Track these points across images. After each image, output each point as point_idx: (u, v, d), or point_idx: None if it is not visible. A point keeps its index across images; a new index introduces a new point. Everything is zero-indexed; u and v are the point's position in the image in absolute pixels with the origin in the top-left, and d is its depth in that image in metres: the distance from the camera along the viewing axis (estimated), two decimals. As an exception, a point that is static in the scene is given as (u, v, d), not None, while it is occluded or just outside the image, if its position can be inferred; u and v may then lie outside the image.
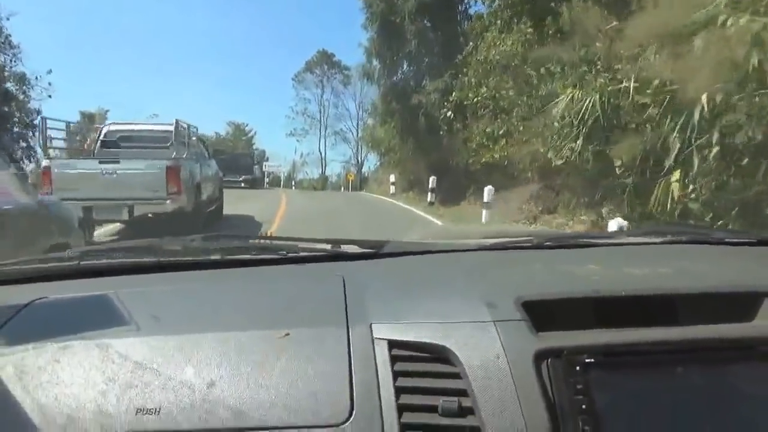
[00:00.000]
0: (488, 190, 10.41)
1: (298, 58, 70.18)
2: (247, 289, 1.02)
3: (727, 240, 1.28)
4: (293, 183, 37.20)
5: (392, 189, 17.93)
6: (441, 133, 15.27)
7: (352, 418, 0.71)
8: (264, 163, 36.81)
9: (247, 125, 38.28)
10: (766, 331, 0.80)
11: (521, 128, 9.96)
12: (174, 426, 0.72)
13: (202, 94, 59.69)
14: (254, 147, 37.93)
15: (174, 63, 60.21)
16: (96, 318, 0.90)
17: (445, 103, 14.09)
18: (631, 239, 1.34)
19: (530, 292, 0.84)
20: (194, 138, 7.38)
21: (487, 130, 11.44)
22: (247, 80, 63.28)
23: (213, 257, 1.18)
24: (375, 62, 18.42)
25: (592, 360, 0.73)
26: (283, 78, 71.26)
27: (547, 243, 1.24)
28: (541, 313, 0.80)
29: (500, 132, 11.00)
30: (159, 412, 0.73)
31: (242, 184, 19.93)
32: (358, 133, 42.20)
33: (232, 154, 23.81)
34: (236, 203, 11.70)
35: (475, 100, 11.95)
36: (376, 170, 24.03)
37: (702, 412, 0.72)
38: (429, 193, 14.88)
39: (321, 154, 42.51)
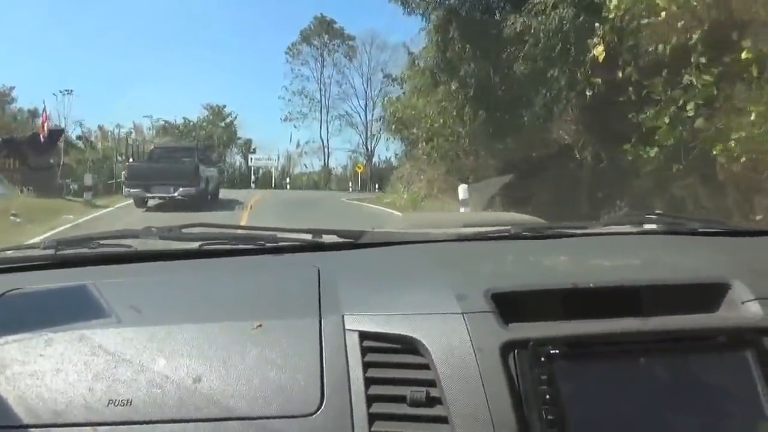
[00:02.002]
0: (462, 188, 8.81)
1: (291, 28, 61.44)
2: (223, 279, 1.11)
3: (700, 230, 1.39)
4: (288, 180, 29.15)
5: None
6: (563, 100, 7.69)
7: (321, 409, 0.79)
8: (250, 156, 28.63)
9: (224, 107, 31.51)
10: (728, 322, 0.89)
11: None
12: (145, 417, 0.79)
13: (177, 75, 50.95)
14: (237, 135, 30.44)
15: (145, 41, 52.54)
16: (70, 309, 0.97)
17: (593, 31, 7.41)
18: (606, 229, 1.46)
19: (500, 284, 0.93)
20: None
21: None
22: (230, 56, 58.14)
23: (190, 247, 1.26)
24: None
25: (558, 351, 0.82)
26: (275, 52, 63.22)
27: (524, 233, 1.33)
28: (511, 305, 0.89)
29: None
30: (131, 403, 0.79)
31: (177, 197, 13.34)
32: (366, 116, 37.89)
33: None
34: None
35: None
36: (402, 162, 20.67)
37: (663, 401, 0.81)
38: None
39: (322, 141, 37.85)
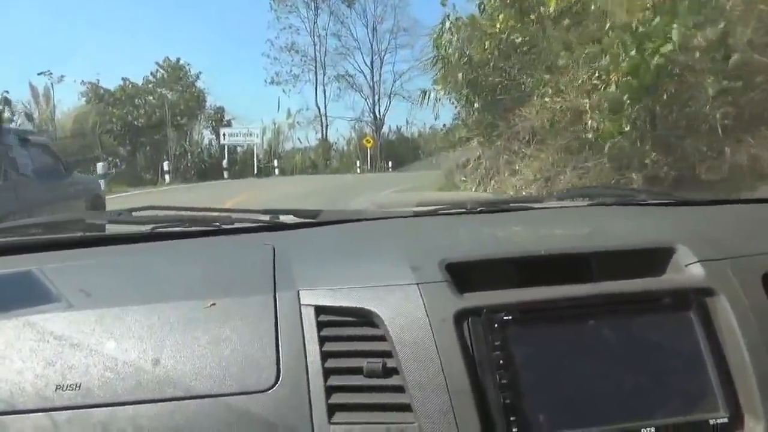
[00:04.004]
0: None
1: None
2: (176, 260, 1.13)
3: (649, 201, 1.46)
4: (276, 163, 21.46)
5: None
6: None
7: (278, 384, 0.81)
8: (222, 131, 20.39)
9: (189, 66, 22.84)
10: (672, 284, 0.94)
11: None
12: (95, 401, 0.79)
13: (122, 26, 41.49)
14: (204, 102, 21.91)
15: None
16: (14, 295, 0.99)
17: None
18: (559, 203, 1.54)
19: (454, 255, 0.96)
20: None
21: None
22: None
23: (141, 231, 1.26)
24: None
25: (510, 317, 0.86)
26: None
27: (480, 208, 1.39)
28: (466, 275, 0.93)
29: None
30: (80, 387, 0.80)
31: None
32: (373, 75, 31.66)
33: None
34: None
35: None
36: (464, 137, 12.63)
37: (612, 361, 0.87)
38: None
39: (319, 109, 30.58)
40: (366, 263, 1.01)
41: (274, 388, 0.80)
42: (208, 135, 24.57)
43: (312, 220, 1.31)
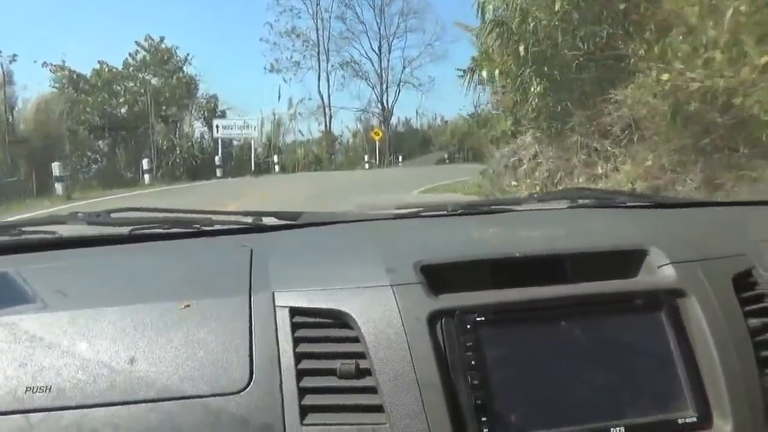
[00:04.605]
0: None
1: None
2: (153, 262, 1.12)
3: (628, 203, 1.48)
4: (276, 159, 21.71)
5: None
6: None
7: (251, 385, 0.81)
8: (216, 123, 17.73)
9: (176, 48, 20.48)
10: (644, 286, 0.96)
11: None
12: (66, 403, 0.79)
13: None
14: (195, 90, 19.53)
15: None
16: None
17: None
18: (540, 205, 1.54)
19: (429, 256, 0.97)
20: None
21: None
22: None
23: (120, 232, 1.26)
24: None
25: (483, 318, 0.87)
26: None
27: (461, 210, 1.38)
28: (441, 276, 0.94)
29: None
30: (51, 389, 0.80)
31: None
32: (381, 62, 29.52)
33: None
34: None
35: None
36: (491, 123, 10.74)
37: (583, 361, 0.88)
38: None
39: (322, 98, 28.27)
40: (342, 265, 1.01)
41: (247, 389, 0.81)
42: (199, 127, 21.75)
43: (292, 222, 1.32)
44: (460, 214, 1.36)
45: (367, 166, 23.09)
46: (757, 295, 0.97)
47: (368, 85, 29.56)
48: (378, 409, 0.82)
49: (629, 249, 1.01)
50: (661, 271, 0.97)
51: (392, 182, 14.08)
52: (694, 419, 0.85)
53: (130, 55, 20.43)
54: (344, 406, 0.82)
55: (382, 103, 29.14)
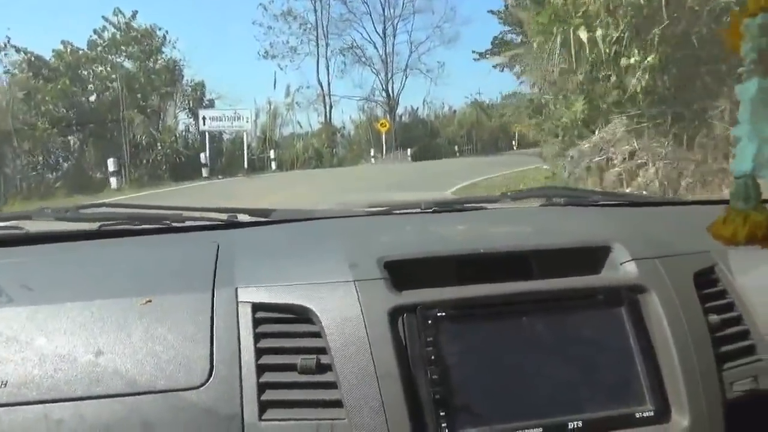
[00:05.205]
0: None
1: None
2: (118, 258, 1.11)
3: (600, 202, 1.51)
4: (272, 154, 16.26)
5: None
6: None
7: (210, 381, 0.81)
8: (202, 114, 14.82)
9: (154, 27, 17.62)
10: (607, 282, 0.97)
11: None
12: (21, 398, 0.79)
13: None
14: (180, 76, 16.92)
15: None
16: None
17: None
18: (513, 203, 1.55)
19: (394, 252, 0.97)
20: None
21: None
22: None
23: (88, 228, 1.26)
24: None
25: (444, 314, 0.88)
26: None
27: (434, 208, 1.39)
28: (405, 272, 0.94)
29: None
30: (6, 385, 0.80)
31: None
32: (386, 46, 27.44)
33: None
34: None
35: None
36: (550, 109, 8.04)
37: (544, 356, 0.89)
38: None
39: (321, 86, 26.45)
40: (307, 261, 1.01)
41: (206, 384, 0.81)
42: (184, 119, 18.98)
43: (264, 218, 1.33)
44: (432, 212, 1.37)
45: (373, 160, 21.18)
46: (718, 291, 1.00)
47: (372, 71, 28.15)
48: (337, 404, 0.82)
49: (593, 246, 1.03)
50: (623, 267, 0.99)
51: (416, 182, 11.80)
52: (652, 414, 0.87)
53: (95, 32, 17.23)
54: (304, 401, 0.83)
55: (387, 92, 27.68)
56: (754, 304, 0.99)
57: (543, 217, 1.37)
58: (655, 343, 0.91)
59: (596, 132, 7.09)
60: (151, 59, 17.80)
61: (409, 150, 22.92)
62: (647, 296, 0.94)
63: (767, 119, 0.51)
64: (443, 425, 0.82)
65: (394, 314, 0.87)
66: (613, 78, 6.39)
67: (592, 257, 1.01)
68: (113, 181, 12.90)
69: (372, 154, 21.41)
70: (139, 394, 0.79)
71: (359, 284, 0.90)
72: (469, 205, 1.45)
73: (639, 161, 6.19)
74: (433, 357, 0.85)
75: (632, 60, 5.87)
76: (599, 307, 0.93)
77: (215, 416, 0.79)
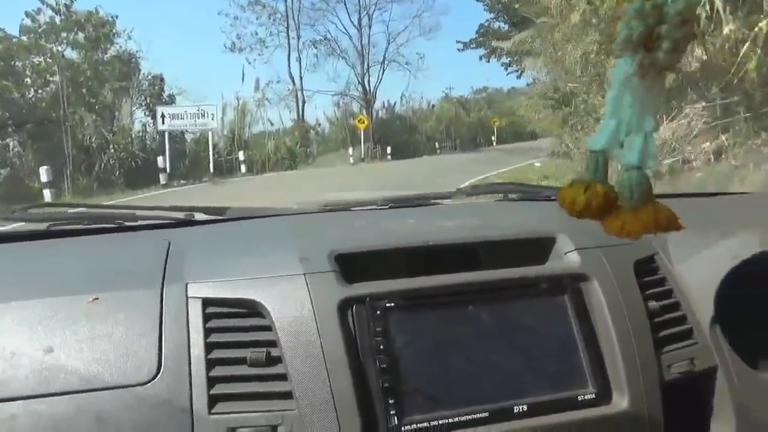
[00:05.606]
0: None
1: None
2: (66, 258, 1.10)
3: (552, 197, 1.48)
4: (243, 155, 14.37)
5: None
6: None
7: (158, 377, 0.82)
8: (160, 111, 12.69)
9: (115, 18, 15.46)
10: (551, 271, 1.00)
11: None
12: None
13: None
14: (137, 70, 14.89)
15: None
16: None
17: None
18: (467, 199, 1.56)
19: (344, 246, 0.99)
20: None
21: None
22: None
23: (36, 228, 1.24)
24: None
25: (393, 304, 0.90)
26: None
27: (390, 205, 1.40)
28: (355, 265, 0.96)
29: None
30: None
31: None
32: (362, 37, 25.41)
33: None
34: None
35: None
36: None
37: (489, 344, 0.92)
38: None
39: (293, 80, 24.33)
40: (258, 256, 1.01)
41: (155, 380, 0.81)
42: (142, 117, 16.81)
43: (218, 216, 1.32)
44: (389, 208, 1.39)
45: (352, 160, 19.60)
46: (657, 279, 1.04)
47: (347, 64, 26.18)
48: (287, 396, 0.83)
49: (539, 237, 1.06)
50: (567, 257, 1.02)
51: (410, 186, 10.32)
52: (593, 396, 0.91)
53: (28, 15, 14.57)
54: (254, 393, 0.83)
55: (364, 86, 25.66)
56: (691, 290, 1.04)
57: (494, 211, 1.45)
58: (596, 329, 0.95)
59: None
60: (100, 49, 15.59)
61: (388, 147, 21.49)
62: (589, 284, 0.98)
63: (629, 103, 0.54)
64: (392, 413, 0.84)
65: (344, 306, 0.89)
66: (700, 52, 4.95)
67: (538, 248, 1.05)
68: (47, 193, 10.45)
69: (350, 153, 19.77)
70: (90, 390, 0.80)
71: (309, 277, 0.91)
72: (424, 201, 1.48)
73: (734, 163, 4.75)
74: (382, 347, 0.87)
75: (728, 29, 4.41)
76: (543, 295, 0.96)
77: (165, 411, 0.80)
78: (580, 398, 0.89)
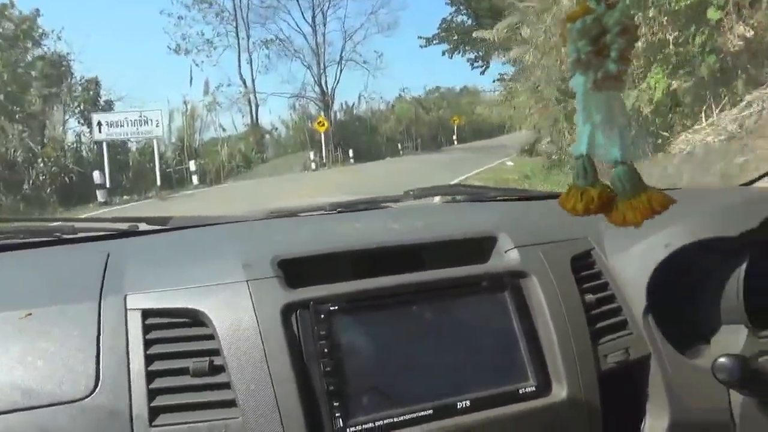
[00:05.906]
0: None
1: None
2: (0, 273, 1.08)
3: (497, 198, 1.57)
4: (194, 165, 12.84)
5: None
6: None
7: (96, 391, 0.80)
8: (98, 119, 10.93)
9: (36, 13, 13.58)
10: (492, 269, 1.02)
11: None
12: None
13: None
14: (69, 74, 13.10)
15: None
16: None
17: None
18: (414, 202, 1.56)
19: (288, 251, 0.98)
20: None
21: None
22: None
23: None
24: None
25: (337, 308, 0.90)
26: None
27: (338, 209, 1.40)
28: (299, 270, 0.95)
29: None
30: None
31: None
32: (317, 36, 24.25)
33: None
34: None
35: None
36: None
37: (432, 343, 0.92)
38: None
39: (244, 82, 23.18)
40: (199, 264, 0.99)
41: (92, 395, 0.80)
42: (76, 127, 15.13)
43: (162, 226, 1.29)
44: (337, 212, 1.38)
45: (313, 165, 18.43)
46: (593, 273, 1.06)
47: (303, 64, 24.89)
48: (231, 404, 0.82)
49: (480, 237, 1.08)
50: (507, 255, 1.04)
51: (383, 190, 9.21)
52: (534, 389, 0.92)
53: None
54: (197, 403, 0.82)
55: (321, 86, 24.42)
56: (625, 283, 1.05)
57: (440, 213, 1.47)
58: (536, 324, 0.96)
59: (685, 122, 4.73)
60: (19, 48, 13.75)
61: (350, 151, 20.40)
62: (528, 281, 1.00)
63: (596, 108, 0.57)
64: (337, 415, 0.84)
65: (287, 311, 0.88)
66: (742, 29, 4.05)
67: (480, 247, 1.06)
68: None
69: (311, 158, 18.55)
70: (18, 410, 0.78)
71: (252, 284, 0.90)
72: (372, 205, 1.48)
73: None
74: (326, 350, 0.86)
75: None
76: (485, 293, 0.97)
77: (104, 425, 0.79)
78: (521, 391, 0.91)
